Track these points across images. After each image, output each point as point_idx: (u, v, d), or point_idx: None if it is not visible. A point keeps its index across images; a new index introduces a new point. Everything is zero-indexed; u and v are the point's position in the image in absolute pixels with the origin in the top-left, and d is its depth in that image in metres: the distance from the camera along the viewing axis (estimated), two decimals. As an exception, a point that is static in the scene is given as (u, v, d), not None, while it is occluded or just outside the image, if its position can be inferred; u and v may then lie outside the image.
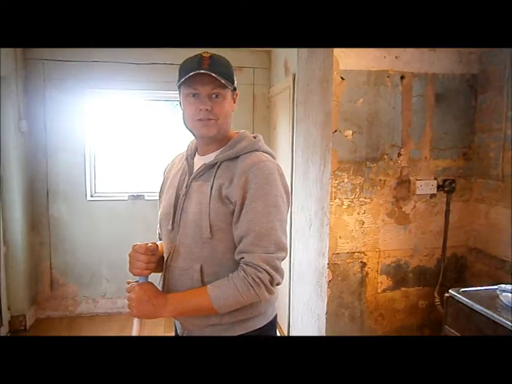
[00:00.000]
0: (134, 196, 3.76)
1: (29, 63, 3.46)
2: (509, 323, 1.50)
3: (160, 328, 3.44)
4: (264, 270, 1.11)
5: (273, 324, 1.30)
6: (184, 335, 1.27)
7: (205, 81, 1.16)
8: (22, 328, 3.39)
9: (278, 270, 1.14)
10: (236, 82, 1.25)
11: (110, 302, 3.79)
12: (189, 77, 1.16)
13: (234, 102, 1.27)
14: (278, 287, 1.22)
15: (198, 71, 1.14)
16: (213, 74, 1.14)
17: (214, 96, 1.18)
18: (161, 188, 1.40)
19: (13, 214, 3.30)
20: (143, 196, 3.76)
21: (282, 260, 1.17)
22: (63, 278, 3.70)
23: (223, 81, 1.15)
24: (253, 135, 1.29)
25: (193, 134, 1.27)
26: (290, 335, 3.00)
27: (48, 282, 3.68)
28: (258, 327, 1.24)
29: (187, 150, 1.35)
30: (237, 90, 1.27)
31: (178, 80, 1.19)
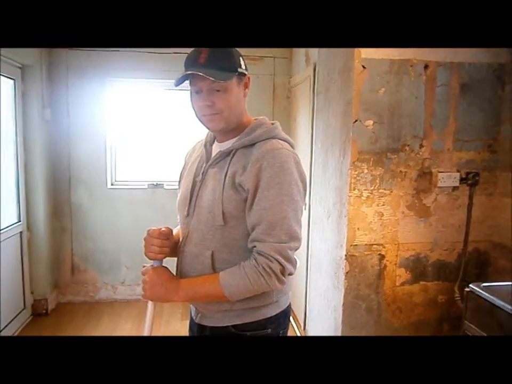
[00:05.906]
0: (153, 184, 3.80)
1: (52, 51, 3.50)
2: (531, 319, 1.46)
3: (177, 315, 3.48)
4: (276, 259, 1.09)
5: (286, 313, 1.29)
6: (198, 318, 1.29)
7: (203, 76, 1.12)
8: (44, 311, 3.47)
9: (290, 260, 1.12)
10: (242, 66, 1.20)
11: (129, 289, 3.85)
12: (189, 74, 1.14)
13: (246, 88, 1.24)
14: (292, 277, 1.21)
15: (188, 72, 1.12)
16: (201, 74, 1.10)
17: (216, 90, 1.16)
18: (181, 173, 1.41)
19: (36, 200, 3.38)
20: (162, 184, 3.80)
21: (296, 249, 1.15)
22: (83, 264, 3.78)
23: (217, 77, 1.11)
24: (271, 122, 1.27)
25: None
26: (307, 325, 2.99)
27: (70, 268, 3.76)
28: (269, 315, 1.23)
29: (206, 137, 1.35)
30: (247, 75, 1.23)
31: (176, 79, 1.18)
